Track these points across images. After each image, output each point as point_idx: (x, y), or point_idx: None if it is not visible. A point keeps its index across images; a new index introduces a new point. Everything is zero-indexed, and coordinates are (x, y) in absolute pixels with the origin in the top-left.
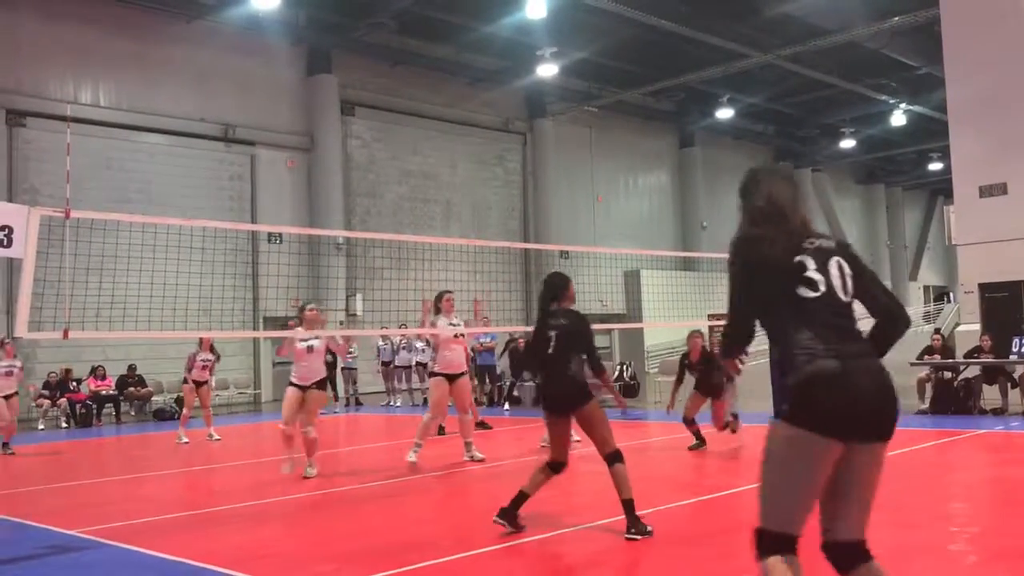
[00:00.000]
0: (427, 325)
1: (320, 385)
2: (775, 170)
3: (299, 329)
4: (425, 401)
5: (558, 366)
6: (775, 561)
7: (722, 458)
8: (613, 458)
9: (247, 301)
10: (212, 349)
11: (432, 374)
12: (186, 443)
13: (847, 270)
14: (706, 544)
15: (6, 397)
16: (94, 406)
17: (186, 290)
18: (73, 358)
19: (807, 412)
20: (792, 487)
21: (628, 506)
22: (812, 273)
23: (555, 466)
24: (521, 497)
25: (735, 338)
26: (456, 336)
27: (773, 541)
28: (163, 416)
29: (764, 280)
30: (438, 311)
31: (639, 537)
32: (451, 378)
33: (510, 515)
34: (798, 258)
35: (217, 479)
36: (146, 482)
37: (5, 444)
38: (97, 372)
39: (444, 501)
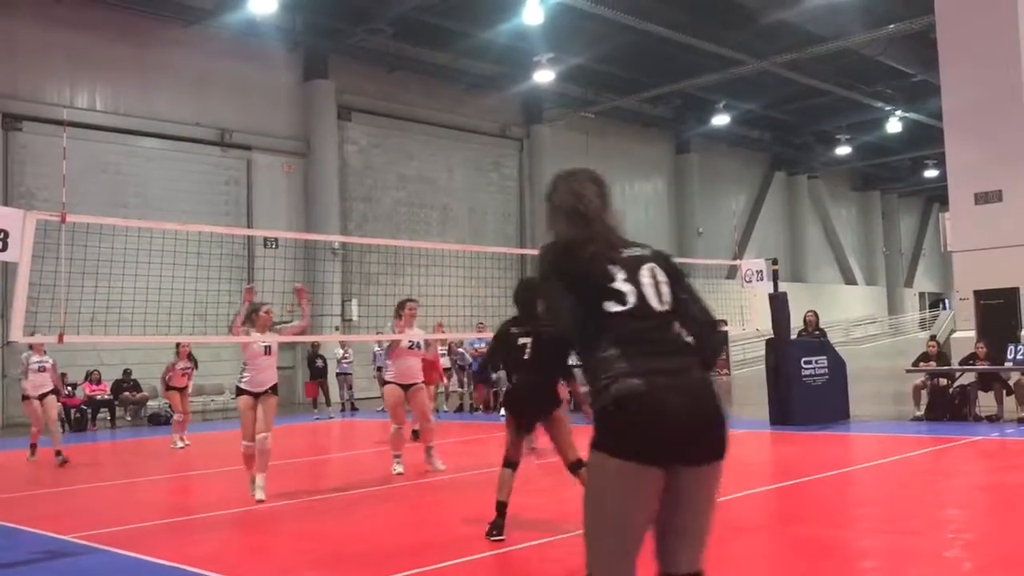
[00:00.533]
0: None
1: (274, 390)
2: (582, 171)
3: (253, 332)
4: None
5: (535, 371)
6: None
7: None
8: (577, 465)
9: (243, 306)
10: (190, 357)
11: (384, 382)
12: (181, 447)
13: (661, 277)
14: None
15: (40, 397)
16: (89, 410)
17: (181, 295)
18: (68, 362)
19: (615, 438)
20: (612, 524)
21: (501, 508)
22: (620, 284)
23: (514, 465)
24: (502, 507)
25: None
26: (411, 347)
27: None
28: (158, 421)
29: (574, 291)
30: (398, 317)
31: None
32: (405, 388)
33: (500, 526)
34: (608, 267)
35: (212, 484)
36: (141, 487)
37: (57, 453)
38: (92, 376)
39: (438, 507)
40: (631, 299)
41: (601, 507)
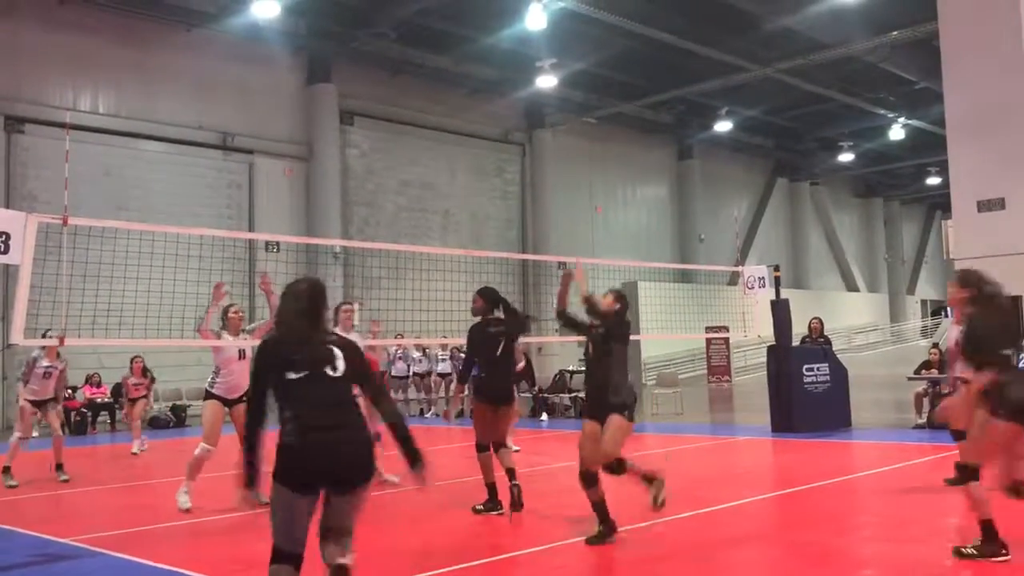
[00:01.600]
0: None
1: (245, 396)
2: (302, 283)
3: (225, 335)
4: (421, 412)
5: (503, 364)
6: (278, 568)
7: (714, 472)
8: (500, 445)
9: (244, 309)
10: (144, 373)
11: None
12: (135, 454)
13: (339, 354)
14: (691, 559)
15: (37, 404)
16: (89, 414)
17: (183, 298)
18: (69, 365)
19: (281, 474)
20: (281, 527)
21: (492, 489)
22: (300, 359)
23: (483, 446)
24: (492, 488)
25: (251, 421)
26: None
27: (279, 554)
28: (158, 424)
29: (268, 371)
30: (334, 323)
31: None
32: None
33: (493, 503)
34: (294, 350)
35: (210, 488)
36: (140, 490)
37: (59, 466)
38: (92, 379)
39: (435, 513)
40: (305, 369)
41: (274, 516)
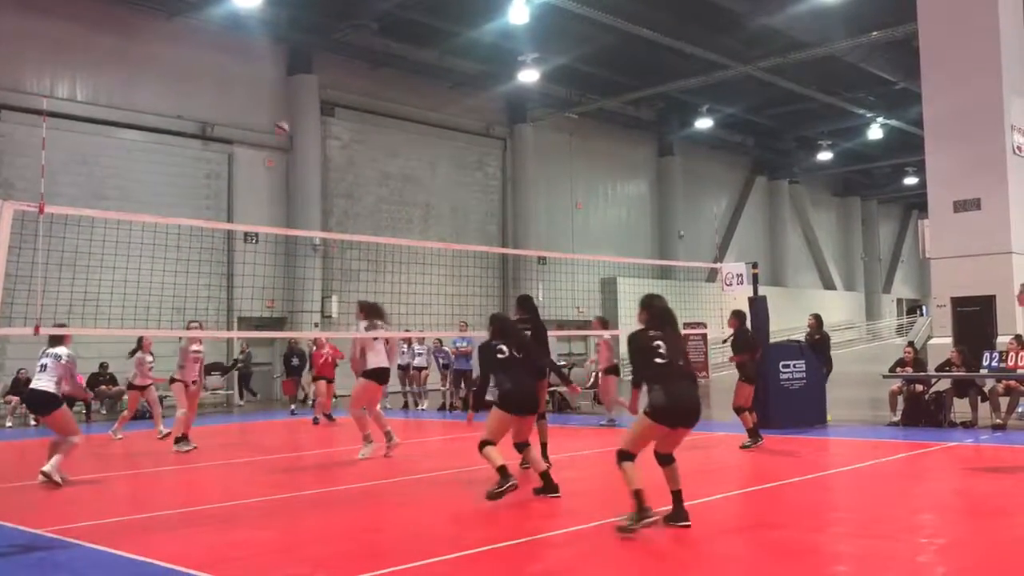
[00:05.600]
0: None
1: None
2: (497, 314)
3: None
4: (405, 404)
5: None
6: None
7: (689, 467)
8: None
9: (221, 301)
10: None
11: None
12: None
13: (507, 346)
14: (665, 554)
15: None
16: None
17: (160, 288)
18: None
19: (501, 404)
20: (495, 428)
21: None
22: (503, 348)
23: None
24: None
25: (484, 372)
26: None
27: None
28: (136, 415)
29: (489, 354)
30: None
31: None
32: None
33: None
34: (500, 344)
35: (188, 480)
36: (116, 481)
37: None
38: None
39: (421, 505)
40: (507, 352)
41: (489, 424)
